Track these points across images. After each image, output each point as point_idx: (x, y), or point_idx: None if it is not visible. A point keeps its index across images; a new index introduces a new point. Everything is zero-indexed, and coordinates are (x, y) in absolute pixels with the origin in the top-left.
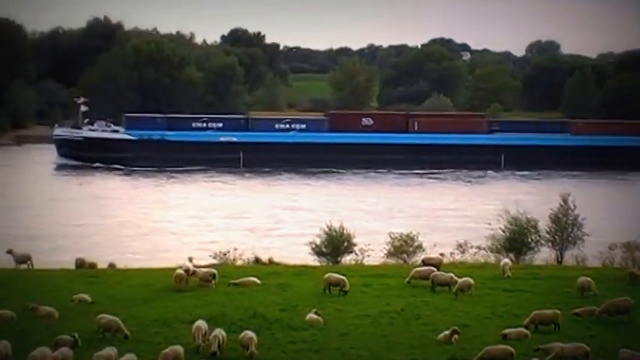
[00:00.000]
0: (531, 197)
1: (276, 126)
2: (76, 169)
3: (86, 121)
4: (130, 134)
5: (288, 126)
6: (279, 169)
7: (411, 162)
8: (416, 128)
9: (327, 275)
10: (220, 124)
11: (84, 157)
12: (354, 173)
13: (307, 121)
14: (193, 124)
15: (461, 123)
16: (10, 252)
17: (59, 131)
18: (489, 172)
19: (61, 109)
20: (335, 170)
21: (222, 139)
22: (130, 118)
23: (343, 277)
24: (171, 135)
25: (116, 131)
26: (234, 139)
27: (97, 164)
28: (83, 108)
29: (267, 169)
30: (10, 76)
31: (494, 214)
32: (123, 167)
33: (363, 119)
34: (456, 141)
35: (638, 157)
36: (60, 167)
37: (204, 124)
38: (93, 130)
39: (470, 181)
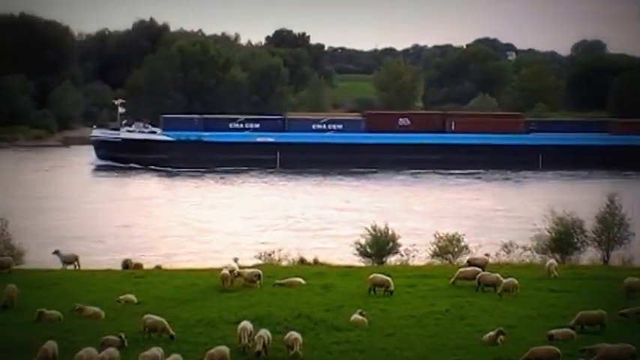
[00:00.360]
0: (576, 197)
1: (313, 126)
2: (116, 170)
3: (124, 122)
4: (167, 135)
5: (324, 126)
6: (322, 170)
7: (448, 162)
8: (453, 128)
9: (372, 276)
10: (257, 125)
11: (121, 158)
12: (401, 173)
13: (344, 121)
14: (230, 125)
15: (498, 123)
16: (56, 253)
17: (97, 132)
18: (537, 172)
19: (108, 111)
20: (382, 171)
21: (258, 139)
22: (168, 119)
23: (388, 278)
24: (208, 136)
25: (153, 132)
26: (271, 140)
27: (135, 165)
28: (121, 109)
29: (315, 170)
30: (58, 78)
31: (540, 214)
32: (160, 168)
33: (400, 119)
34: (493, 141)
35: None
36: (100, 168)
37: (242, 125)
38: (130, 132)
39: (518, 181)
